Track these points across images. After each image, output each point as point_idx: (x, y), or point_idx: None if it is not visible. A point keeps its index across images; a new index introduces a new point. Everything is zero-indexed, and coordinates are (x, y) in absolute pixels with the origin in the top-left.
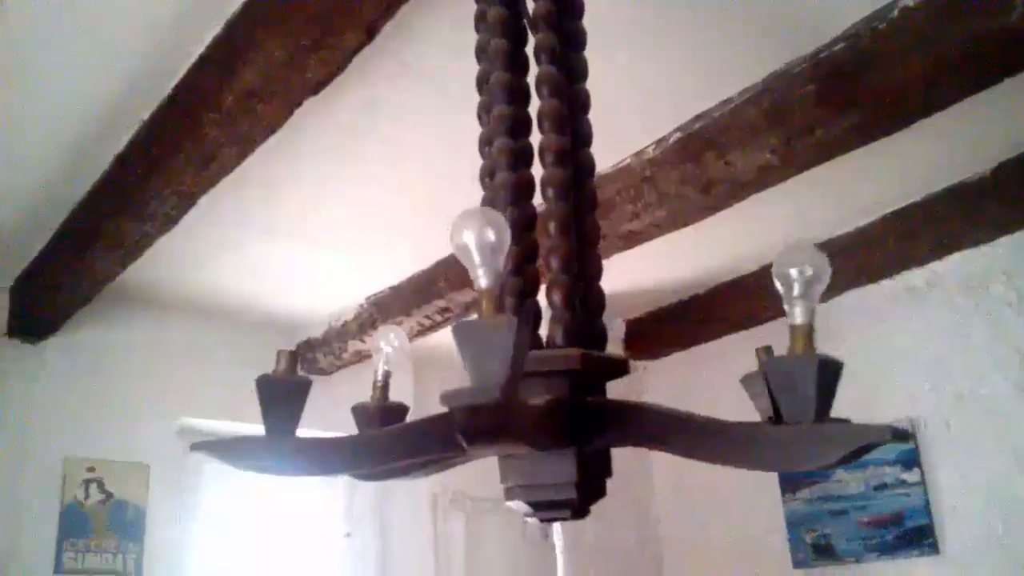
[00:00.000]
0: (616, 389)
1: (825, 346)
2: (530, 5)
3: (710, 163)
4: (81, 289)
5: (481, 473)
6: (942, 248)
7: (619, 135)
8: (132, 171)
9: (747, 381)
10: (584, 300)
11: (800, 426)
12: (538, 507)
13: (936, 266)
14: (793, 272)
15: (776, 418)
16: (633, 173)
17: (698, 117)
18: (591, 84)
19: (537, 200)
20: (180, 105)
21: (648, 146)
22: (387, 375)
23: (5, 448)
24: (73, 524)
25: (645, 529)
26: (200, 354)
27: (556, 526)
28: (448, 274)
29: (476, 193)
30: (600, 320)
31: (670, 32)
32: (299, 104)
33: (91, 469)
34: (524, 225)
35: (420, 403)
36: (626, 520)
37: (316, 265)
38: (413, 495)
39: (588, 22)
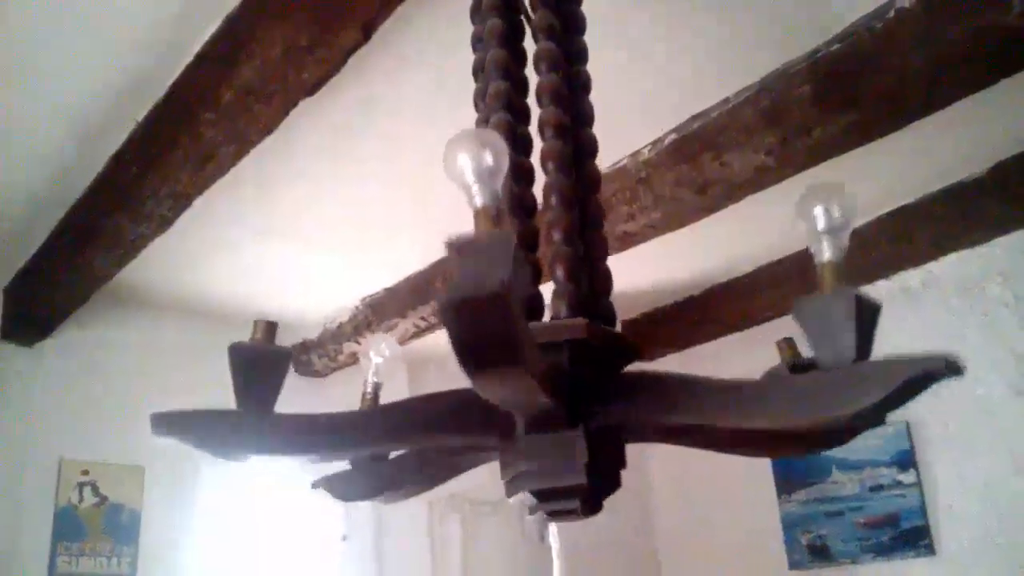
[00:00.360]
0: None
1: None
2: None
3: (706, 164)
4: (76, 290)
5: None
6: (938, 249)
7: (615, 136)
8: (128, 170)
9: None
10: (590, 279)
11: (835, 370)
12: (544, 497)
13: (932, 267)
14: (818, 210)
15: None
16: (629, 174)
17: (694, 118)
18: None
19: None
20: (177, 104)
21: (644, 147)
22: (377, 387)
23: (0, 451)
24: (67, 528)
25: (642, 533)
26: (195, 355)
27: (553, 528)
28: (445, 275)
29: None
30: (607, 300)
31: (667, 33)
32: (295, 104)
33: (85, 472)
34: (524, 211)
35: None
36: (623, 523)
37: (311, 266)
38: None
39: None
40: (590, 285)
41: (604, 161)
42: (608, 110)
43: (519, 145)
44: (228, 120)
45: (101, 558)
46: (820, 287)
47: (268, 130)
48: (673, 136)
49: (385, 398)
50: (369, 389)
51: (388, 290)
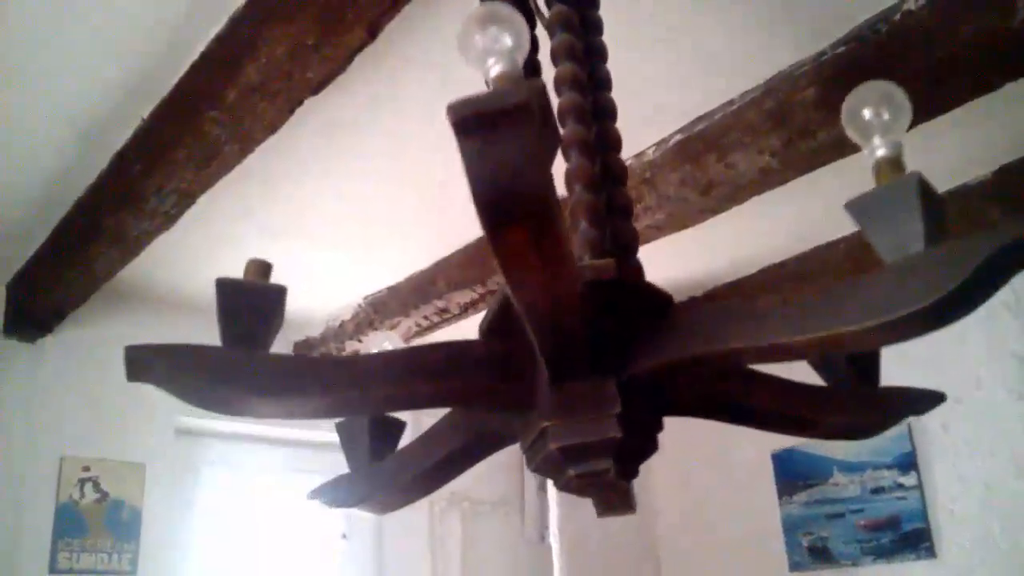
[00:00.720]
0: None
1: None
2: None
3: (710, 165)
4: (78, 286)
5: (478, 475)
6: None
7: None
8: (132, 168)
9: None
10: (615, 235)
11: (905, 260)
12: (573, 457)
13: None
14: (867, 111)
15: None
16: (633, 175)
17: (699, 119)
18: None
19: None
20: (182, 102)
21: (648, 148)
22: None
23: (1, 447)
24: (68, 524)
25: (644, 533)
26: None
27: (553, 528)
28: (447, 274)
29: None
30: (635, 258)
31: (671, 34)
32: (300, 103)
33: (86, 468)
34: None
35: (418, 412)
36: (623, 524)
37: (314, 263)
38: None
39: None
40: (614, 241)
41: None
42: None
43: None
44: (233, 118)
45: (102, 554)
46: (877, 183)
47: (273, 128)
48: (678, 137)
49: None
50: None
51: (390, 288)
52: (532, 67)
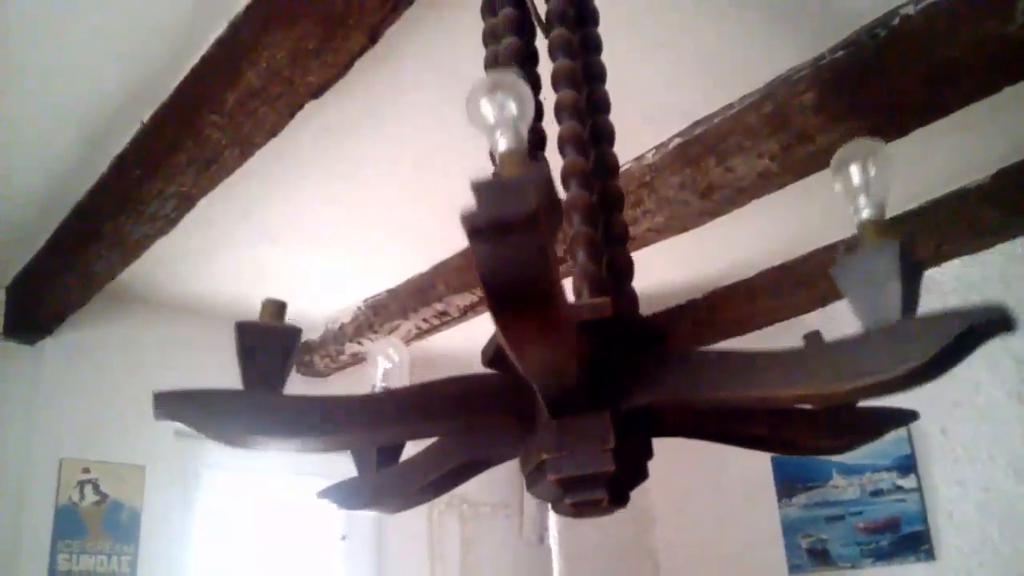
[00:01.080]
0: None
1: None
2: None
3: (710, 169)
4: (78, 289)
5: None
6: (940, 255)
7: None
8: (132, 171)
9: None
10: (610, 263)
11: (882, 329)
12: (569, 487)
13: (934, 272)
14: (854, 168)
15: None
16: (632, 178)
17: (699, 123)
18: None
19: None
20: (182, 106)
21: (648, 151)
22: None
23: (1, 449)
24: (67, 525)
25: (642, 535)
26: (198, 355)
27: (553, 530)
28: (447, 277)
29: None
30: (630, 287)
31: (671, 37)
32: (301, 107)
33: (86, 470)
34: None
35: None
36: (623, 525)
37: (313, 266)
38: None
39: None
40: (610, 269)
41: None
42: (613, 114)
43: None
44: (233, 122)
45: (101, 556)
46: (861, 246)
47: (273, 132)
48: (677, 140)
49: None
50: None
51: (390, 291)
52: (532, 78)
